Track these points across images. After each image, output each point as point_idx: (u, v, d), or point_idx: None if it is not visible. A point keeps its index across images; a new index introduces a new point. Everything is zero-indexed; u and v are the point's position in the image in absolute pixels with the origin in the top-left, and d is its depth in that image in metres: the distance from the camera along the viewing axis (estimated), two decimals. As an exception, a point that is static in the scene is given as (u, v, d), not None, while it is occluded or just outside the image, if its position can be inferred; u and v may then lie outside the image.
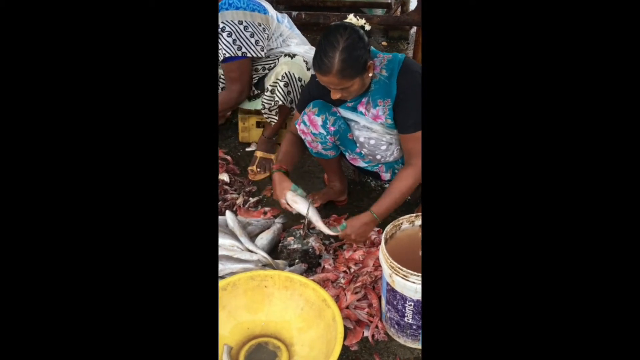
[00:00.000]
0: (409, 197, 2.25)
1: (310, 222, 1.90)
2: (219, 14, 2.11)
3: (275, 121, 2.30)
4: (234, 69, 2.18)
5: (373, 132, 1.91)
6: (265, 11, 2.21)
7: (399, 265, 1.50)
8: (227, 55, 2.13)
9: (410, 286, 1.50)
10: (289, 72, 2.19)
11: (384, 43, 3.71)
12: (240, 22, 2.12)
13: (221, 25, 2.10)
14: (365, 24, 1.75)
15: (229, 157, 2.44)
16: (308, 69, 2.25)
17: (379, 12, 3.79)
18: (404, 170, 1.85)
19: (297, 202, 1.86)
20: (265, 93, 2.24)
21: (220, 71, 2.31)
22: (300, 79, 2.20)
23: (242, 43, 2.12)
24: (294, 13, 2.77)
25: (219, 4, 2.14)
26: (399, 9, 3.66)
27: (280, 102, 2.20)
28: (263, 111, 2.29)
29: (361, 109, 1.87)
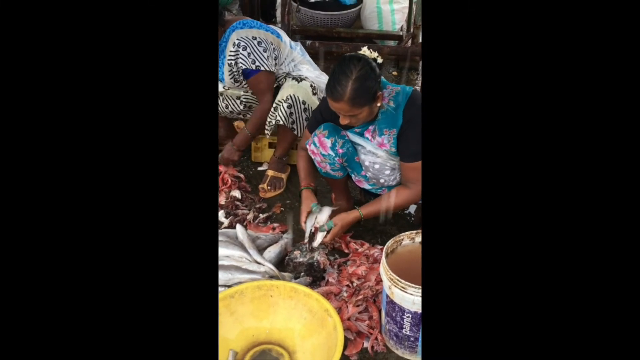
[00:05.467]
0: (412, 219, 2.32)
1: (312, 237, 1.99)
2: (235, 32, 2.22)
3: (269, 136, 2.39)
4: (262, 80, 2.28)
5: (378, 157, 1.99)
6: (278, 35, 2.33)
7: (397, 277, 1.55)
8: (244, 66, 2.23)
9: (409, 298, 1.55)
10: (293, 95, 2.26)
11: (395, 73, 3.82)
12: (254, 38, 2.22)
13: (236, 41, 2.21)
14: (377, 56, 1.84)
15: (241, 175, 2.51)
16: (314, 94, 2.33)
17: (391, 43, 3.91)
18: (402, 188, 1.95)
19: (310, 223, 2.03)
20: (269, 113, 2.32)
21: (239, 92, 2.41)
22: (304, 102, 2.28)
23: (255, 57, 2.21)
24: (308, 42, 2.89)
25: (236, 23, 2.25)
26: (410, 41, 3.78)
27: (281, 122, 2.28)
28: (266, 129, 2.36)
29: (367, 135, 1.96)
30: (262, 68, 2.23)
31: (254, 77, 2.26)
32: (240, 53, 2.21)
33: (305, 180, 2.10)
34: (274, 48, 2.28)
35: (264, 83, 2.28)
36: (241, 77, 2.30)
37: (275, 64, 2.29)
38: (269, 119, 2.31)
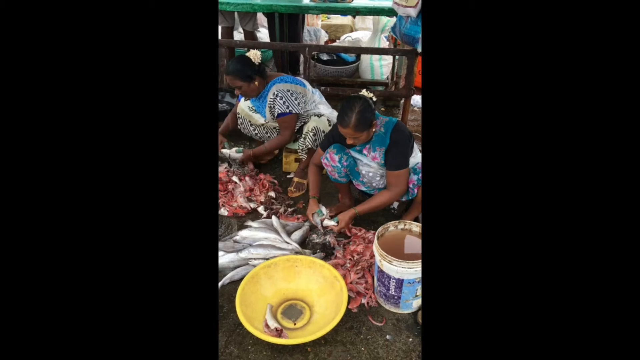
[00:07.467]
0: (395, 211, 2.31)
1: (325, 227, 1.99)
2: (275, 85, 2.25)
3: (305, 158, 2.41)
4: (287, 121, 2.33)
5: (371, 168, 1.99)
6: (304, 85, 2.36)
7: (385, 253, 1.56)
8: (280, 111, 2.27)
9: (393, 268, 1.55)
10: (316, 127, 2.31)
11: (383, 109, 3.82)
12: (288, 90, 2.27)
13: (275, 92, 2.25)
14: (372, 96, 1.85)
15: (275, 181, 2.51)
16: (329, 125, 2.35)
17: (380, 88, 3.90)
18: (384, 192, 1.95)
19: (316, 220, 2.01)
20: (300, 140, 2.37)
21: (275, 124, 2.44)
22: (323, 131, 2.32)
23: (289, 104, 2.27)
24: (322, 87, 2.91)
25: (276, 78, 2.29)
26: (393, 86, 3.78)
27: (310, 146, 2.34)
28: (298, 151, 2.41)
29: (365, 152, 1.96)
30: (293, 111, 2.29)
31: (284, 117, 2.31)
32: (277, 101, 2.27)
33: (312, 191, 2.11)
34: (302, 96, 2.33)
35: (289, 122, 2.34)
36: (276, 116, 2.35)
37: (302, 106, 2.34)
38: (300, 144, 2.37)
